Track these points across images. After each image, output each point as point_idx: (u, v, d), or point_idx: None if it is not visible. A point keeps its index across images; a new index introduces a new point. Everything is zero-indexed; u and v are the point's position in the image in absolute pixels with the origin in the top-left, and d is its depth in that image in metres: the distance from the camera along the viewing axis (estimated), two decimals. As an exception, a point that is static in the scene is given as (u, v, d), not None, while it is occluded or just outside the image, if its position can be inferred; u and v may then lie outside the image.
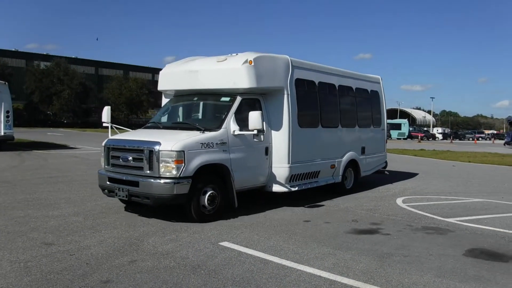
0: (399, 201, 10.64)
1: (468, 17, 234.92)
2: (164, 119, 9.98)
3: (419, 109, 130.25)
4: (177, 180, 7.60)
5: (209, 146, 8.09)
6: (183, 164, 7.62)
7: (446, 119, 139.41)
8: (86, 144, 27.14)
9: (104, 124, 10.09)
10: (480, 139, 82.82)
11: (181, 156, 7.60)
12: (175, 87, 10.11)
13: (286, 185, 9.66)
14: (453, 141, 66.44)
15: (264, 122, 8.90)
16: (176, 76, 9.98)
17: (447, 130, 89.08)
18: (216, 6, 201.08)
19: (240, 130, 8.55)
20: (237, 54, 9.40)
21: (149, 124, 9.92)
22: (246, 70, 8.81)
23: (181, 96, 10.15)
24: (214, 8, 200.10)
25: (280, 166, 9.50)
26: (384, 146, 14.17)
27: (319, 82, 10.89)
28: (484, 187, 13.78)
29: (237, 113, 8.74)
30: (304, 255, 6.09)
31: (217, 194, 8.26)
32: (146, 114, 75.21)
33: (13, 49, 71.93)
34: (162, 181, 7.60)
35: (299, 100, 9.95)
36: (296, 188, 9.85)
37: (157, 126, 9.50)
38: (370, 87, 13.34)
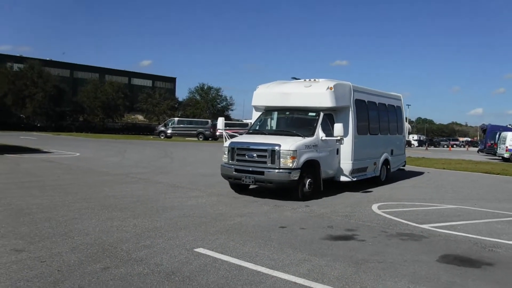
0: (374, 207, 10.71)
1: (442, 27, 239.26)
2: (262, 127, 13.30)
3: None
4: (291, 170, 10.84)
5: (308, 147, 11.42)
6: (296, 159, 10.88)
7: (421, 126, 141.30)
8: (60, 148, 26.70)
9: (219, 131, 13.35)
10: (454, 146, 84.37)
11: (295, 154, 10.87)
12: (269, 104, 13.34)
13: (350, 176, 13.10)
14: (428, 148, 67.39)
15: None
16: (270, 96, 13.27)
17: (423, 137, 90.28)
18: (193, 12, 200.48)
19: (326, 136, 11.91)
20: (315, 80, 13.07)
21: (251, 131, 13.17)
22: (329, 94, 12.26)
23: (270, 110, 13.46)
24: (191, 14, 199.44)
25: (346, 162, 12.99)
26: (404, 149, 18.48)
27: (368, 101, 14.61)
28: (458, 193, 14.00)
29: (321, 124, 12.05)
30: (279, 261, 6.06)
31: (313, 181, 11.44)
32: (122, 119, 74.44)
33: (-15, 51, 70.48)
34: (282, 171, 10.84)
35: (357, 115, 13.45)
36: (355, 179, 13.38)
37: (262, 132, 12.80)
38: (395, 103, 17.34)
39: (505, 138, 36.06)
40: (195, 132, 52.69)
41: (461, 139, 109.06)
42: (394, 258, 6.49)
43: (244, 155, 11.43)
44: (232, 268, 5.72)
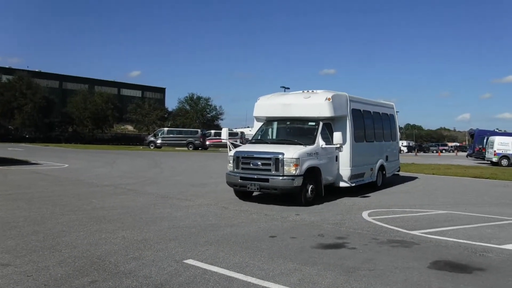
0: (364, 214, 10.69)
1: (429, 33, 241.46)
2: (264, 137, 13.80)
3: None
4: (295, 177, 11.30)
5: (310, 155, 11.96)
6: (299, 166, 11.37)
7: (410, 132, 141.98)
8: (49, 159, 26.47)
9: (223, 141, 13.89)
10: (443, 151, 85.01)
11: (298, 161, 11.36)
12: (270, 114, 13.93)
13: (348, 182, 13.67)
14: (417, 153, 67.67)
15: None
16: (271, 107, 13.88)
17: (412, 143, 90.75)
18: (182, 23, 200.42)
19: (326, 144, 12.48)
20: (314, 91, 13.68)
21: (253, 140, 13.69)
22: (327, 105, 12.93)
23: (271, 121, 13.98)
24: (180, 24, 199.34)
25: (345, 169, 13.58)
26: (398, 155, 19.27)
27: (363, 110, 15.37)
28: (448, 199, 14.05)
29: (321, 133, 12.65)
30: (270, 271, 6.00)
31: (315, 187, 11.94)
32: (111, 129, 74.12)
33: (-25, 62, 70.18)
34: (286, 178, 11.30)
35: (354, 123, 14.11)
36: (354, 184, 13.93)
37: (265, 141, 13.37)
38: (388, 111, 18.12)
39: (493, 143, 36.44)
40: (185, 142, 52.55)
41: (450, 144, 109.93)
42: (385, 265, 6.46)
43: (249, 163, 11.91)
44: (222, 280, 5.65)
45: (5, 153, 30.15)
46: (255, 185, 11.62)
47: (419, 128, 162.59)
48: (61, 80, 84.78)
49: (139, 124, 75.59)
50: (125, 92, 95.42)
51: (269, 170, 11.49)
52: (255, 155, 11.93)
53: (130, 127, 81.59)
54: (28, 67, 77.00)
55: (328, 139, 12.74)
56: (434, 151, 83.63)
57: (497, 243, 7.98)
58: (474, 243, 7.94)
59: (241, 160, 12.07)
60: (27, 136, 60.92)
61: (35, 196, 12.35)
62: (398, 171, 19.14)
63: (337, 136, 12.33)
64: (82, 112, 66.93)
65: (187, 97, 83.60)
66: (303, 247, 7.41)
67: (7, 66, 77.04)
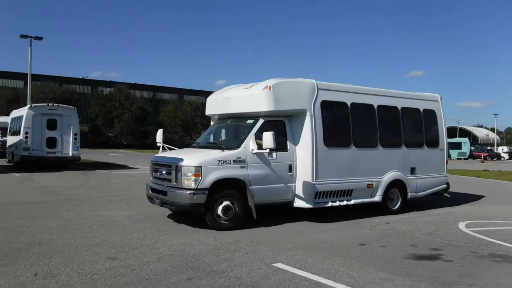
0: (461, 225, 10.13)
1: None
2: (205, 139, 11.25)
3: (481, 126, 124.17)
4: (195, 191, 8.69)
5: (226, 162, 9.02)
6: (200, 177, 8.71)
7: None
8: (144, 164, 27.89)
9: (158, 144, 11.52)
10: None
11: (198, 171, 8.72)
12: (216, 112, 11.37)
13: (310, 201, 10.06)
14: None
15: (288, 141, 9.91)
16: (216, 102, 11.28)
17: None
18: (272, 32, 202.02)
19: (259, 149, 9.27)
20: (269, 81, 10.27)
21: (194, 144, 11.22)
22: (265, 95, 9.71)
23: (221, 119, 11.30)
24: (267, 34, 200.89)
25: (305, 183, 9.94)
26: (443, 167, 13.35)
27: (352, 103, 11.09)
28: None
29: (260, 134, 9.40)
30: (360, 280, 5.93)
31: (233, 205, 9.06)
32: (200, 136, 76.87)
33: (81, 77, 76.44)
34: (184, 191, 8.77)
35: (326, 121, 10.38)
36: (320, 206, 10.28)
37: (195, 145, 10.84)
38: (423, 106, 12.90)
39: None
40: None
41: None
42: (487, 281, 6.08)
43: (157, 171, 9.86)
44: (312, 285, 5.69)
45: (107, 158, 32.44)
46: (158, 199, 9.38)
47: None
48: (154, 90, 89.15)
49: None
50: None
51: (170, 180, 9.22)
52: (161, 162, 9.84)
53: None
54: (87, 76, 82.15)
55: (283, 141, 9.84)
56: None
57: None
58: None
59: (153, 167, 10.08)
60: (124, 143, 65.12)
61: (134, 198, 13.15)
62: (446, 189, 13.37)
63: (265, 137, 9.10)
64: (173, 120, 70.21)
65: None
66: (394, 257, 7.21)
67: (107, 80, 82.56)
